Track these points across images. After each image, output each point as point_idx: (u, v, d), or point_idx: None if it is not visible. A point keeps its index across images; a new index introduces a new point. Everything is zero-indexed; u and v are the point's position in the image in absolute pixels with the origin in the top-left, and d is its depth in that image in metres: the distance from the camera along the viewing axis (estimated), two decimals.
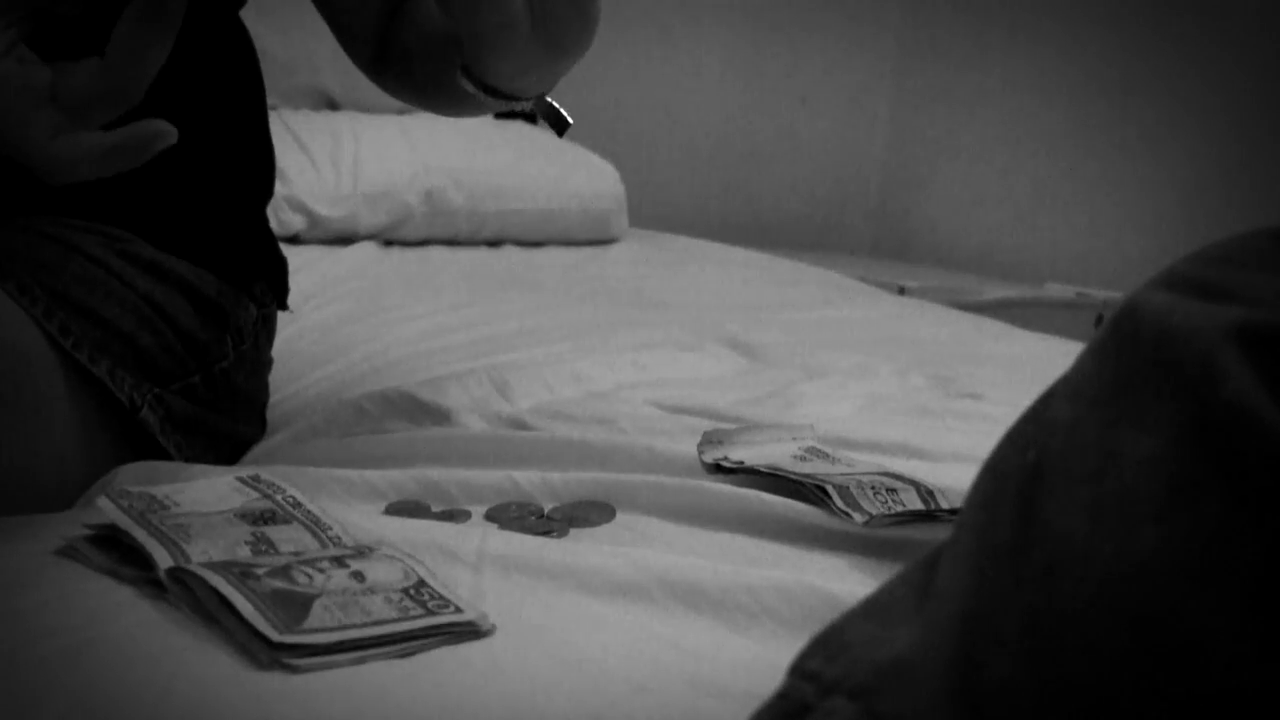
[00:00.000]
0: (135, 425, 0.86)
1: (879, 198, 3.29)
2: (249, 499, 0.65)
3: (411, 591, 0.58)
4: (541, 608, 0.60)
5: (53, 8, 0.84)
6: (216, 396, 0.93)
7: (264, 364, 1.01)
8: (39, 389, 0.80)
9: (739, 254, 2.28)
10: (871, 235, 3.27)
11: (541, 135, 2.42)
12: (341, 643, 0.54)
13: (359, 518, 0.69)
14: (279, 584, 0.56)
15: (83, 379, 0.83)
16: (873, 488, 0.76)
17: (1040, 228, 2.99)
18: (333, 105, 2.34)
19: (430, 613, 0.56)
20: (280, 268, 1.04)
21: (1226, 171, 2.64)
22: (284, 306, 1.05)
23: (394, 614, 0.56)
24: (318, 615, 0.54)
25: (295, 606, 0.54)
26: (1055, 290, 2.72)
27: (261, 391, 1.01)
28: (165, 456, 0.87)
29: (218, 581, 0.55)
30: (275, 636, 0.53)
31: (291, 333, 1.32)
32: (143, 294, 0.88)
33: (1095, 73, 2.87)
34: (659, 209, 2.94)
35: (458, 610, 0.57)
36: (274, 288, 1.03)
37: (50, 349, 0.81)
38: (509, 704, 0.52)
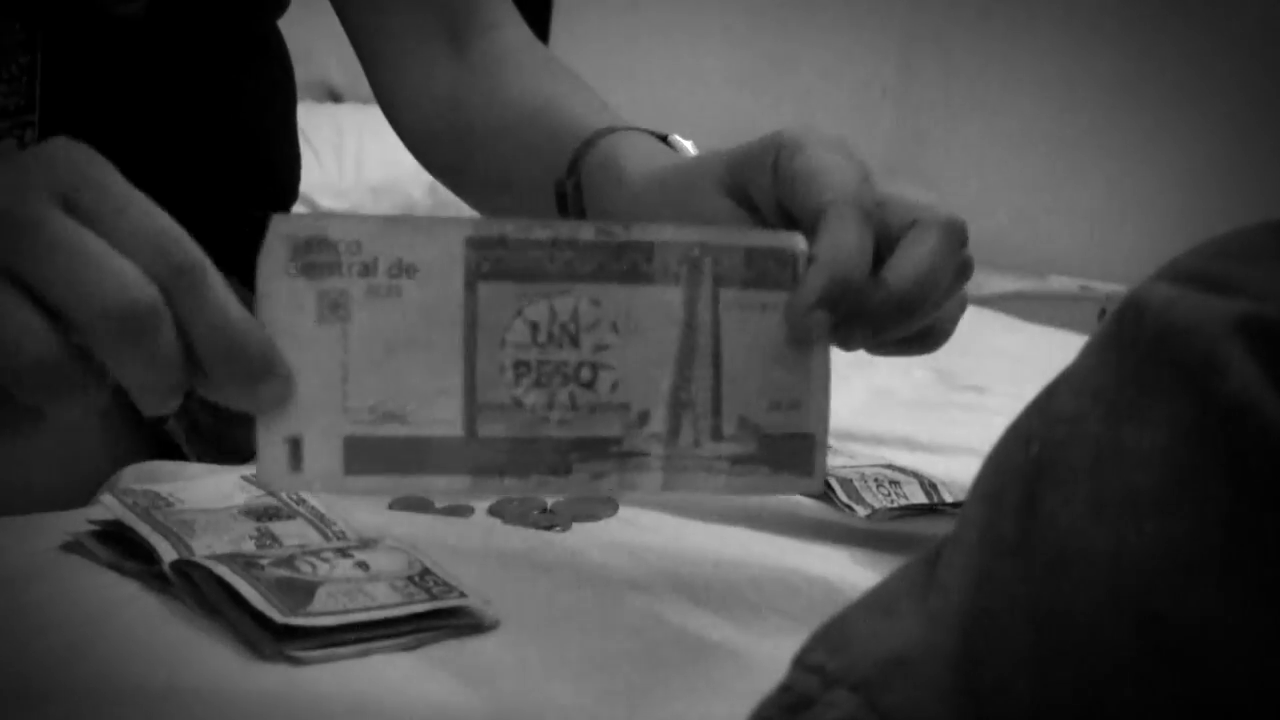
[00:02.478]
0: (158, 436, 0.86)
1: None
2: (253, 496, 0.65)
3: (416, 579, 0.58)
4: (544, 602, 0.60)
5: (112, 9, 0.84)
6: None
7: None
8: None
9: None
10: None
11: None
12: (345, 626, 0.54)
13: (363, 513, 0.69)
14: (283, 573, 0.56)
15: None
16: (875, 481, 0.76)
17: (1043, 221, 2.98)
18: (336, 98, 2.34)
19: (434, 598, 0.56)
20: None
21: (1230, 165, 2.63)
22: None
23: (398, 599, 0.56)
24: (322, 600, 0.54)
25: (299, 593, 0.55)
26: (1059, 283, 2.72)
27: None
28: None
29: (222, 570, 0.55)
30: (279, 619, 0.53)
31: None
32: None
33: (1099, 66, 2.87)
34: None
35: (462, 595, 0.57)
36: None
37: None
38: (512, 697, 0.52)
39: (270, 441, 0.47)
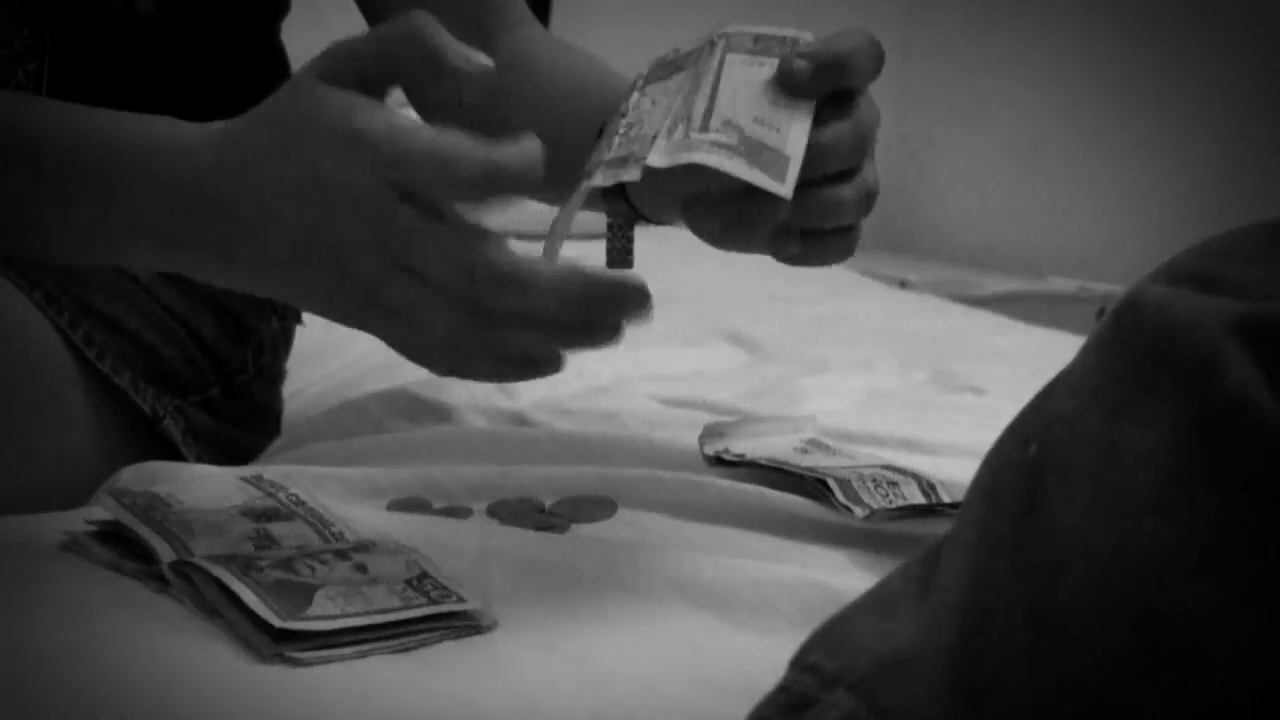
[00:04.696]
0: (155, 436, 0.87)
1: (881, 192, 3.29)
2: (252, 497, 0.65)
3: (414, 582, 0.58)
4: (543, 603, 0.60)
5: (129, 8, 0.84)
6: (235, 409, 0.93)
7: (279, 375, 1.01)
8: (61, 398, 0.81)
9: None
10: (873, 229, 3.26)
11: None
12: (344, 630, 0.54)
13: (361, 515, 0.69)
14: (281, 575, 0.56)
15: (105, 389, 0.84)
16: (874, 481, 0.76)
17: (1042, 221, 2.98)
18: None
19: (433, 602, 0.57)
20: None
21: (1228, 165, 2.63)
22: (300, 319, 1.04)
23: (396, 603, 0.56)
24: (320, 604, 0.54)
25: (298, 595, 0.55)
26: (1057, 284, 2.71)
27: (276, 402, 1.01)
28: None
29: (220, 572, 0.55)
30: (278, 623, 0.53)
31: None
32: (166, 305, 0.89)
33: (1098, 67, 2.87)
34: None
35: (460, 600, 0.57)
36: None
37: (73, 359, 0.82)
38: (510, 699, 0.52)
39: None
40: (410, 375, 1.11)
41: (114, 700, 0.49)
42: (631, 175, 0.61)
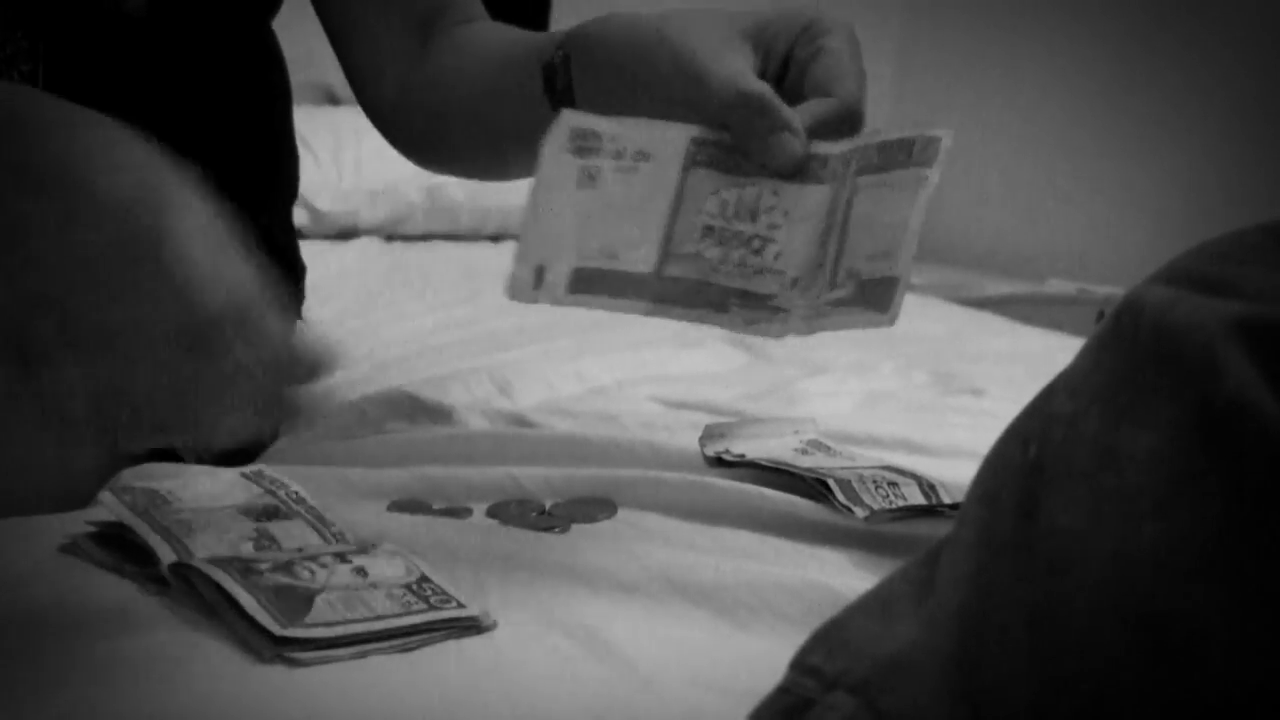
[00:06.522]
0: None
1: None
2: (252, 494, 0.65)
3: (414, 587, 0.58)
4: (543, 604, 0.60)
5: (119, 9, 0.85)
6: None
7: None
8: None
9: None
10: None
11: None
12: (344, 637, 0.54)
13: (361, 515, 0.69)
14: (281, 579, 0.56)
15: None
16: (874, 482, 0.76)
17: (1042, 224, 2.98)
18: (334, 100, 2.34)
19: (433, 608, 0.57)
20: (297, 274, 1.04)
21: (1227, 168, 2.63)
22: (300, 316, 1.04)
23: (396, 609, 0.56)
24: (320, 610, 0.54)
25: (298, 601, 0.55)
26: (1057, 286, 2.71)
27: None
28: None
29: (220, 577, 0.55)
30: (278, 630, 0.53)
31: None
32: None
33: (1097, 69, 2.87)
34: None
35: (460, 605, 0.57)
36: (292, 295, 1.02)
37: None
38: (510, 699, 0.52)
39: (524, 267, 0.62)
40: (410, 376, 1.11)
41: (113, 701, 0.49)
42: (773, 334, 0.64)
